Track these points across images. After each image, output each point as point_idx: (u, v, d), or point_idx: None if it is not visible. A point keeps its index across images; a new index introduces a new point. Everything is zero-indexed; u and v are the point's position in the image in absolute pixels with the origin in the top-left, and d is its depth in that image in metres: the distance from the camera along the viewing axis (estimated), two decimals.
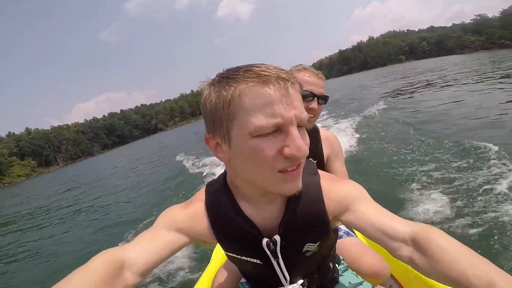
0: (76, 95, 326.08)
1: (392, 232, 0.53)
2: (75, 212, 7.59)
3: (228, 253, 0.65)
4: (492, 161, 3.16)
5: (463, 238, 2.04)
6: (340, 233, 1.15)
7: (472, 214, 2.36)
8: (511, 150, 3.33)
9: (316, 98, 1.09)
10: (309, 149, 0.49)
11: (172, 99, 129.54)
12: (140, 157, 18.58)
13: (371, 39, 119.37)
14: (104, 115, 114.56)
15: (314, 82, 1.09)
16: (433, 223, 2.35)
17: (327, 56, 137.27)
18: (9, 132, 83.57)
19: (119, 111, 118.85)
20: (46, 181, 28.28)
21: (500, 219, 2.19)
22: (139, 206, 5.95)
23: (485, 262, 0.44)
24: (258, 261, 0.61)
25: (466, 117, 5.49)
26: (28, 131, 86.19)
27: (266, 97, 0.44)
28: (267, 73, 0.45)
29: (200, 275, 1.45)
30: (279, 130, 0.46)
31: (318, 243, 0.62)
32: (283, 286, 0.63)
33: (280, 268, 0.61)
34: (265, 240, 0.58)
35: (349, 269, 0.89)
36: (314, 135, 1.18)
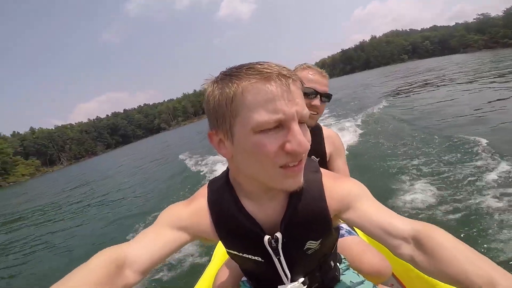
0: (76, 95, 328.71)
1: (393, 230, 0.53)
2: (86, 207, 7.80)
3: (230, 251, 0.65)
4: (478, 155, 3.42)
5: (446, 224, 2.24)
6: (341, 231, 1.16)
7: (454, 201, 2.57)
8: (494, 144, 3.60)
9: (319, 96, 1.10)
10: (312, 147, 0.51)
11: (174, 98, 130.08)
12: (144, 156, 18.62)
13: (373, 38, 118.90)
14: (107, 115, 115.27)
15: (318, 80, 1.10)
16: (419, 210, 2.56)
17: (329, 56, 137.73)
18: (14, 131, 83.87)
19: (122, 111, 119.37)
20: (51, 180, 28.22)
21: (480, 206, 2.40)
22: (147, 200, 6.16)
23: (486, 261, 0.44)
24: (260, 259, 0.62)
25: (457, 114, 5.80)
26: (32, 130, 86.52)
27: (268, 94, 0.45)
28: (268, 70, 0.46)
29: (201, 273, 1.45)
30: (281, 126, 0.46)
31: (319, 241, 0.62)
32: (284, 284, 0.63)
33: (282, 265, 0.61)
34: (266, 238, 0.58)
35: (350, 268, 0.89)
36: (316, 133, 1.20)
